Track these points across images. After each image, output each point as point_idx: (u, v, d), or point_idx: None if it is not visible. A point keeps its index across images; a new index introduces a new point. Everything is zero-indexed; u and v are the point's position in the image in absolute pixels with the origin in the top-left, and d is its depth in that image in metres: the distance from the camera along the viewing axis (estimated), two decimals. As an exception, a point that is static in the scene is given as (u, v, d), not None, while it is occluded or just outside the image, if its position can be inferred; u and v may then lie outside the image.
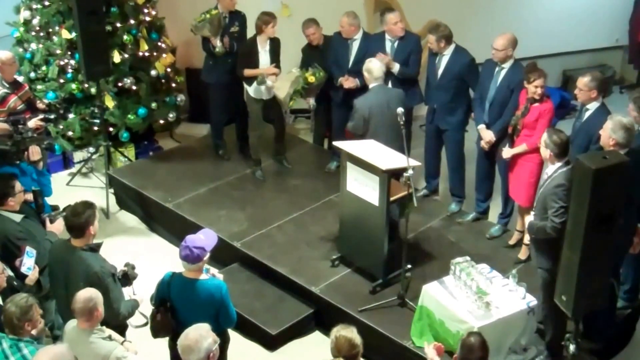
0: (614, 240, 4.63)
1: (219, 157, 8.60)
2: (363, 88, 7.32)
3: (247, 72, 7.77)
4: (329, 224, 7.31)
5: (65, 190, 8.23)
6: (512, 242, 7.05)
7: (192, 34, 8.15)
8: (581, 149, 5.90)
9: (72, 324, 4.77)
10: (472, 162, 7.41)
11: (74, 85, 8.32)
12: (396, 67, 7.59)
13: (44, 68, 8.46)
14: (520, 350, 5.77)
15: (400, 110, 6.31)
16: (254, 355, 6.40)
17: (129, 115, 8.45)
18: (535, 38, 9.47)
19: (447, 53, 7.21)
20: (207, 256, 4.99)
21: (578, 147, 5.93)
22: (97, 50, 7.69)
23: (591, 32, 10.35)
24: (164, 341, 5.21)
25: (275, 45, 7.82)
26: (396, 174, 6.59)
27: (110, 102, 8.33)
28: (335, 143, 6.73)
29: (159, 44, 8.76)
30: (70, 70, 8.34)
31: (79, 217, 5.03)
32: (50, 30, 8.40)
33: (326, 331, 6.05)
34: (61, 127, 8.32)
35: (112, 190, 8.28)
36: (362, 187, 6.38)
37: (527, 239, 6.51)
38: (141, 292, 5.35)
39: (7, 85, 7.13)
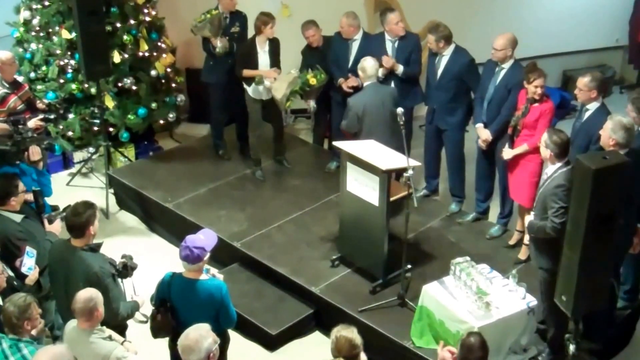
0: (614, 241, 4.63)
1: (219, 157, 8.60)
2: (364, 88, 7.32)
3: (246, 72, 7.76)
4: (329, 224, 7.31)
5: (65, 190, 8.22)
6: (512, 242, 7.05)
7: (192, 34, 8.15)
8: (581, 149, 5.89)
9: (72, 324, 4.77)
10: (472, 162, 7.41)
11: (74, 86, 8.33)
12: (400, 69, 7.61)
13: (44, 68, 8.46)
14: (520, 351, 5.77)
15: (400, 110, 6.32)
16: (254, 355, 6.40)
17: (129, 116, 8.45)
18: (535, 38, 9.48)
19: (447, 53, 7.21)
20: (207, 256, 4.99)
21: (578, 147, 5.93)
22: (97, 50, 7.69)
23: (591, 32, 10.35)
24: (164, 341, 5.21)
25: (274, 46, 7.81)
26: (397, 174, 6.62)
27: (110, 102, 8.33)
28: (335, 143, 6.73)
29: (159, 44, 8.76)
30: (70, 71, 8.34)
31: (80, 217, 5.03)
32: (50, 30, 8.41)
33: (326, 331, 6.05)
34: (61, 127, 8.33)
35: (112, 191, 8.28)
36: (362, 187, 6.38)
37: (527, 238, 6.51)
38: (142, 294, 5.34)
39: (7, 85, 7.13)
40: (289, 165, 8.44)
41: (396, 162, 6.23)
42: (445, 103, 7.32)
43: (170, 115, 8.84)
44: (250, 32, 8.00)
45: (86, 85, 8.27)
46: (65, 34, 8.23)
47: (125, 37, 8.31)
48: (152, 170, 8.40)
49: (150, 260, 6.82)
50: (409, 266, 6.47)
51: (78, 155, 8.86)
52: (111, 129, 8.46)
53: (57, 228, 5.78)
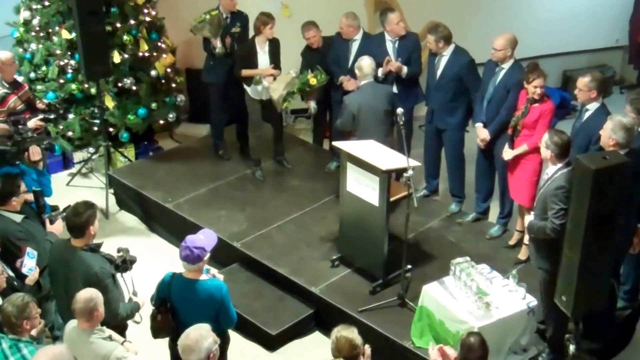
0: (614, 241, 4.63)
1: (219, 157, 8.60)
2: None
3: (245, 72, 7.76)
4: (329, 224, 7.31)
5: (65, 190, 8.22)
6: (512, 242, 7.05)
7: (192, 34, 8.14)
8: (581, 150, 5.89)
9: (72, 324, 4.77)
10: (472, 162, 7.40)
11: (73, 86, 8.33)
12: (405, 70, 7.62)
13: (43, 68, 8.46)
14: (520, 351, 5.77)
15: (400, 110, 6.33)
16: (254, 355, 6.40)
17: (129, 116, 8.45)
18: (535, 38, 9.48)
19: (447, 54, 7.22)
20: (207, 256, 4.99)
21: (578, 148, 5.92)
22: (97, 50, 7.69)
23: (591, 32, 10.35)
24: (164, 342, 5.21)
25: (274, 47, 7.81)
26: (397, 174, 6.62)
27: (110, 103, 8.33)
28: (335, 143, 6.74)
29: (159, 44, 8.75)
30: (70, 71, 8.34)
31: (80, 217, 5.03)
32: (50, 30, 8.41)
33: (326, 331, 6.06)
34: (61, 127, 8.33)
35: (112, 191, 8.28)
36: (362, 187, 6.38)
37: (526, 238, 6.50)
38: (142, 296, 5.34)
39: (7, 86, 7.13)
40: (289, 165, 8.44)
41: (396, 162, 6.23)
42: (444, 103, 7.32)
43: (170, 116, 8.84)
44: (251, 33, 8.00)
45: (86, 86, 8.27)
46: (65, 34, 8.23)
47: (125, 37, 8.31)
48: (152, 171, 8.40)
49: (150, 261, 6.82)
50: (409, 266, 6.47)
51: (78, 156, 8.86)
52: (111, 129, 8.46)
53: (58, 228, 5.78)
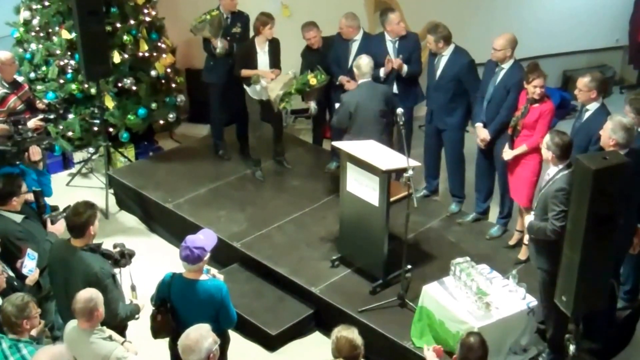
0: (614, 241, 4.63)
1: (218, 157, 8.60)
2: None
3: (244, 72, 7.76)
4: (329, 224, 7.31)
5: (65, 190, 8.23)
6: (512, 242, 7.05)
7: (192, 34, 8.14)
8: (581, 150, 5.88)
9: (72, 324, 4.77)
10: (472, 162, 7.40)
11: (73, 86, 8.33)
12: (405, 69, 7.63)
13: (43, 68, 8.46)
14: (520, 351, 5.77)
15: (400, 110, 6.33)
16: (254, 355, 6.40)
17: (129, 116, 8.45)
18: (535, 38, 9.48)
19: (446, 54, 7.21)
20: (207, 256, 4.99)
21: (577, 148, 5.91)
22: (97, 50, 7.69)
23: (591, 32, 10.35)
24: (164, 342, 5.21)
25: (274, 47, 7.80)
26: (396, 174, 6.62)
27: (110, 103, 8.33)
28: (335, 143, 6.74)
29: (159, 44, 8.75)
30: (70, 71, 8.34)
31: (80, 217, 5.03)
32: (50, 30, 8.40)
33: (326, 332, 6.06)
34: (61, 127, 8.33)
35: (111, 191, 8.28)
36: (362, 188, 6.38)
37: (526, 238, 6.50)
38: (142, 297, 5.33)
39: (7, 86, 7.13)
40: (289, 165, 8.44)
41: (396, 163, 6.23)
42: (444, 104, 7.32)
43: (170, 116, 8.84)
44: (252, 33, 8.00)
45: (86, 86, 8.27)
46: (65, 34, 8.23)
47: (125, 37, 8.31)
48: (152, 171, 8.40)
49: (150, 261, 6.83)
50: (409, 266, 6.47)
51: (78, 156, 8.86)
52: (111, 129, 8.46)
53: (59, 229, 5.78)
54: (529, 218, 5.73)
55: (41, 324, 4.91)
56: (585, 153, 5.68)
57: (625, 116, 5.73)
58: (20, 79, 7.78)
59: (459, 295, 5.76)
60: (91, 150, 8.62)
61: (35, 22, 8.44)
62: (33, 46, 8.46)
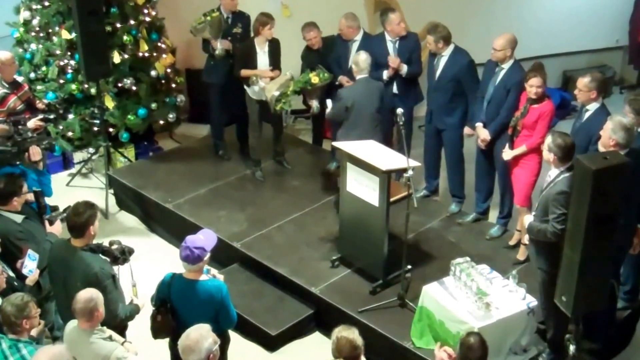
0: (614, 241, 4.63)
1: (218, 157, 8.60)
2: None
3: (244, 72, 7.76)
4: (329, 224, 7.31)
5: (65, 190, 8.23)
6: (512, 242, 7.04)
7: (192, 35, 8.14)
8: (581, 150, 5.88)
9: (72, 324, 4.77)
10: (472, 162, 7.40)
11: (73, 86, 8.33)
12: (404, 69, 7.63)
13: (43, 68, 8.46)
14: (520, 351, 5.77)
15: (400, 110, 6.34)
16: (254, 355, 6.40)
17: (129, 116, 8.45)
18: (535, 38, 9.48)
19: (446, 54, 7.21)
20: (207, 256, 4.99)
21: (577, 148, 5.89)
22: (97, 50, 7.69)
23: (591, 32, 10.35)
24: (164, 342, 5.21)
25: (274, 47, 7.80)
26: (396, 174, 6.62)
27: (110, 103, 8.33)
28: (335, 143, 6.74)
29: (159, 44, 8.75)
30: (70, 71, 8.34)
31: (80, 217, 5.03)
32: (50, 30, 8.40)
33: (326, 332, 6.06)
34: (61, 127, 8.32)
35: (111, 191, 8.28)
36: (362, 188, 6.38)
37: (526, 239, 6.49)
38: (143, 297, 5.33)
39: (7, 86, 7.13)
40: (289, 165, 8.44)
41: (396, 163, 6.23)
42: (443, 104, 7.32)
43: (170, 116, 8.84)
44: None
45: (86, 86, 8.27)
46: (65, 34, 8.23)
47: (125, 37, 8.31)
48: (152, 171, 8.40)
49: (150, 261, 6.83)
50: (409, 267, 6.47)
51: (78, 156, 8.86)
52: (111, 130, 8.46)
53: (57, 229, 5.78)
54: (528, 218, 5.73)
55: (41, 324, 4.91)
56: (585, 153, 5.67)
57: (625, 116, 5.72)
58: (20, 79, 7.78)
59: (459, 295, 5.76)
60: (91, 150, 8.62)
61: (35, 22, 8.44)
62: (33, 46, 8.46)
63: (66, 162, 8.94)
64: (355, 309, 6.27)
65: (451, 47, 7.20)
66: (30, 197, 5.94)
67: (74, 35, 8.03)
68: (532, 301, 5.73)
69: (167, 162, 8.59)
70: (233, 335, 5.57)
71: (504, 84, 6.81)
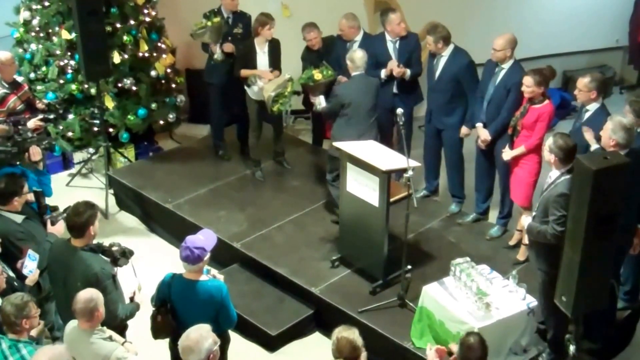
0: (614, 241, 4.63)
1: (218, 157, 8.60)
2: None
3: (243, 72, 7.76)
4: (329, 224, 7.31)
5: (65, 191, 8.23)
6: (512, 242, 7.04)
7: (192, 38, 8.13)
8: (581, 150, 5.87)
9: (72, 324, 4.77)
10: (472, 163, 7.40)
11: (73, 86, 8.33)
12: (408, 73, 7.64)
13: (43, 69, 8.45)
14: (520, 351, 5.77)
15: (400, 110, 6.33)
16: (254, 356, 6.40)
17: (129, 116, 8.45)
18: (535, 38, 9.48)
19: (445, 54, 7.21)
20: (207, 256, 4.99)
21: (577, 148, 5.91)
22: (97, 50, 7.68)
23: (591, 32, 10.35)
24: (165, 342, 5.21)
25: (274, 47, 7.79)
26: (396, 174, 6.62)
27: (110, 103, 8.33)
28: (335, 143, 6.74)
29: (159, 44, 8.75)
30: (70, 71, 8.34)
31: (80, 217, 5.03)
32: (50, 30, 8.40)
33: (326, 332, 6.06)
34: (61, 127, 8.32)
35: (111, 191, 8.28)
36: (362, 188, 6.38)
37: (526, 239, 6.50)
38: (142, 296, 5.32)
39: (7, 86, 7.14)
40: (289, 165, 8.44)
41: (396, 163, 6.23)
42: (442, 104, 7.32)
43: (170, 116, 8.84)
44: (253, 33, 8.00)
45: (86, 86, 8.27)
46: (65, 35, 8.23)
47: (125, 37, 8.31)
48: (152, 171, 8.39)
49: (150, 261, 6.82)
50: (409, 267, 6.46)
51: (78, 156, 8.86)
52: (111, 130, 8.46)
53: (59, 229, 5.77)
54: (527, 218, 5.73)
55: (41, 324, 4.91)
56: (585, 153, 5.67)
57: (625, 116, 5.72)
58: (20, 79, 7.79)
59: (459, 295, 5.76)
60: (91, 150, 8.62)
61: (35, 22, 8.44)
62: (33, 46, 8.46)
63: (66, 162, 8.94)
64: (355, 309, 6.26)
65: (451, 48, 7.20)
66: (31, 197, 5.94)
67: (74, 35, 8.03)
68: (532, 301, 5.73)
69: (167, 162, 8.59)
70: (233, 335, 5.57)
71: (504, 84, 6.81)
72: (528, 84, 6.38)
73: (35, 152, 6.50)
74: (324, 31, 8.04)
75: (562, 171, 5.43)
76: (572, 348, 4.95)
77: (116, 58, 8.22)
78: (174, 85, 8.99)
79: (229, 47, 7.95)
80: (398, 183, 6.96)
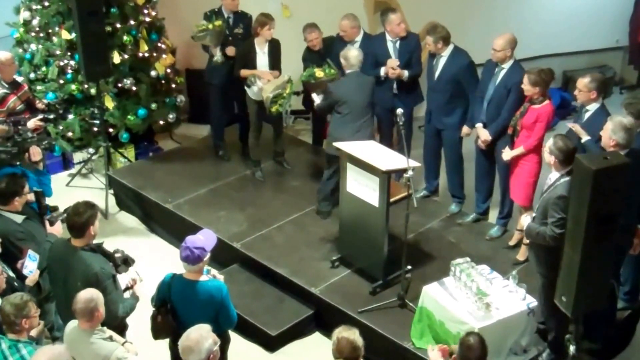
0: (614, 241, 4.63)
1: (218, 158, 8.60)
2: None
3: (243, 72, 7.76)
4: (329, 225, 7.31)
5: (65, 191, 8.23)
6: (512, 242, 7.04)
7: (193, 40, 8.13)
8: (581, 150, 5.88)
9: (72, 324, 4.77)
10: (472, 163, 7.40)
11: (73, 86, 8.32)
12: (406, 74, 7.63)
13: (43, 69, 8.45)
14: (520, 351, 5.77)
15: (399, 110, 6.33)
16: (254, 356, 6.40)
17: (129, 116, 8.45)
18: (535, 38, 9.48)
19: (445, 54, 7.21)
20: (207, 256, 4.99)
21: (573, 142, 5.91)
22: (97, 50, 7.68)
23: (591, 32, 10.35)
24: (165, 342, 5.21)
25: (274, 48, 7.79)
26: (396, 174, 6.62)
27: (110, 103, 8.33)
28: (335, 144, 6.73)
29: (159, 44, 8.75)
30: (70, 71, 8.34)
31: (80, 217, 5.03)
32: (50, 30, 8.40)
33: (326, 332, 6.06)
34: (61, 127, 8.32)
35: (111, 191, 8.28)
36: (362, 188, 6.38)
37: (526, 239, 6.51)
38: (142, 294, 5.33)
39: (7, 86, 7.14)
40: (289, 166, 8.44)
41: (396, 163, 6.23)
42: (442, 104, 7.32)
43: (170, 116, 8.83)
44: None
45: (86, 86, 8.27)
46: (65, 35, 8.23)
47: (125, 37, 8.31)
48: (152, 171, 8.39)
49: (150, 261, 6.82)
50: (409, 267, 6.46)
51: (78, 156, 8.86)
52: (111, 130, 8.46)
53: (58, 230, 5.78)
54: (526, 219, 5.73)
55: (41, 324, 4.90)
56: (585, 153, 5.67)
57: (626, 116, 5.72)
58: (20, 79, 7.79)
59: (459, 295, 5.76)
60: (91, 150, 8.62)
61: (35, 22, 8.44)
62: (33, 46, 8.46)
63: (66, 163, 8.94)
64: (355, 309, 6.27)
65: (450, 48, 7.20)
66: (31, 197, 5.94)
67: (74, 35, 8.03)
68: (532, 301, 5.73)
69: (167, 162, 8.59)
70: (233, 335, 5.57)
71: (504, 84, 6.81)
72: (524, 83, 6.39)
73: (35, 152, 6.50)
74: (324, 31, 8.04)
75: (562, 173, 5.42)
76: (572, 348, 4.95)
77: (116, 58, 8.22)
78: (174, 86, 8.99)
79: (231, 50, 7.94)
80: (398, 183, 6.97)
